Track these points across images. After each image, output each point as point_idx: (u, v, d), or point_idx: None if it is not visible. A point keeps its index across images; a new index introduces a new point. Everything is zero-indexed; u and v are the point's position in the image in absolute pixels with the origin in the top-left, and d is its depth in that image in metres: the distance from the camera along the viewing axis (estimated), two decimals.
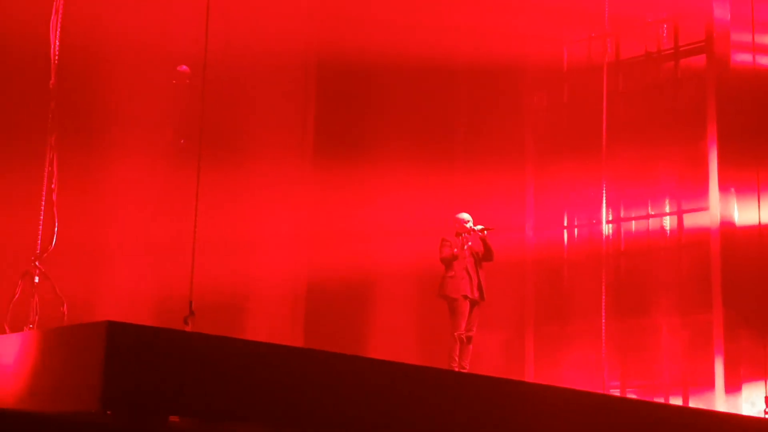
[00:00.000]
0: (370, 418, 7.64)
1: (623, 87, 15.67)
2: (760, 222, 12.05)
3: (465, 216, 10.20)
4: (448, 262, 9.98)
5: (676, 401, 14.31)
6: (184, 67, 13.19)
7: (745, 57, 14.36)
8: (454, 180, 15.38)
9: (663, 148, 15.10)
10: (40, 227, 7.69)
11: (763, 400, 11.67)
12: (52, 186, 7.71)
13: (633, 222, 15.27)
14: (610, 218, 15.10)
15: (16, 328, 7.76)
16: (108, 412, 6.67)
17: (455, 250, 9.95)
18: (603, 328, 11.93)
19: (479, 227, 10.09)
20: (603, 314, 11.82)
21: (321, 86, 14.99)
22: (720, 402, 13.78)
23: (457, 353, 9.82)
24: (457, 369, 9.79)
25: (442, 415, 7.98)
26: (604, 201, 12.57)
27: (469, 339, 10.01)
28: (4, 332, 7.52)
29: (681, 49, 15.33)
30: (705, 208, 14.54)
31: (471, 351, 10.01)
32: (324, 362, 7.65)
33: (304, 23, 14.32)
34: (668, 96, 15.31)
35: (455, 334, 9.92)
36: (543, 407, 8.69)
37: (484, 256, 10.16)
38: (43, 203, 7.70)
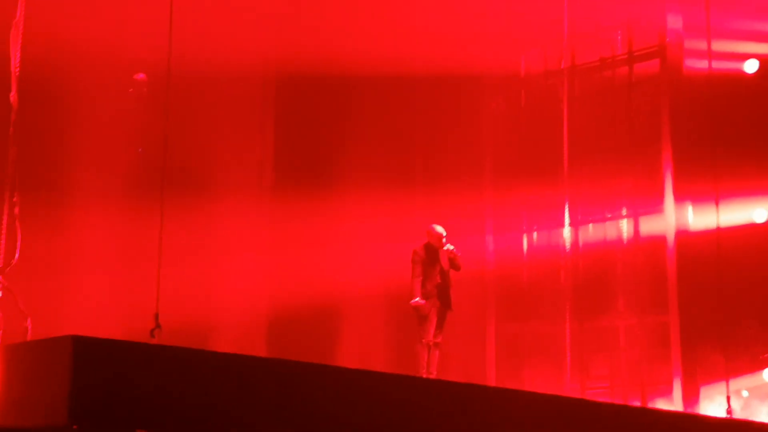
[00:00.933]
0: (339, 426, 7.65)
1: (579, 92, 15.83)
2: (718, 226, 12.27)
3: (441, 230, 10.35)
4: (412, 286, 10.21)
5: (635, 402, 14.47)
6: (142, 75, 13.17)
7: (697, 63, 14.58)
8: (415, 190, 15.45)
9: (618, 152, 15.28)
10: (3, 241, 7.61)
11: (724, 399, 11.85)
12: (14, 199, 7.64)
13: (590, 226, 15.42)
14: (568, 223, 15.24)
15: None
16: (75, 427, 6.63)
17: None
18: (567, 331, 12.06)
19: (451, 248, 10.27)
20: (567, 317, 11.94)
21: (279, 103, 14.99)
22: (677, 403, 13.97)
23: (426, 360, 9.95)
24: (425, 375, 9.88)
25: (413, 422, 8.02)
26: (566, 207, 12.70)
27: (436, 345, 10.16)
28: None
29: (635, 54, 15.52)
30: (660, 212, 14.73)
31: (438, 357, 10.15)
32: (292, 372, 7.66)
33: (263, 39, 14.30)
34: (623, 101, 15.49)
35: (423, 341, 10.06)
36: (509, 411, 8.77)
37: (453, 267, 10.37)
38: (5, 217, 7.63)
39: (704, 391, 13.78)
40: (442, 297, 10.26)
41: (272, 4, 14.34)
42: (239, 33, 13.69)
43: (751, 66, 14.32)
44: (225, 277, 13.51)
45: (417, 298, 10.15)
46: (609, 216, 15.31)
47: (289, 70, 14.52)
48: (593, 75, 15.82)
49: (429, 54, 14.89)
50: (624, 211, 15.19)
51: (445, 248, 10.30)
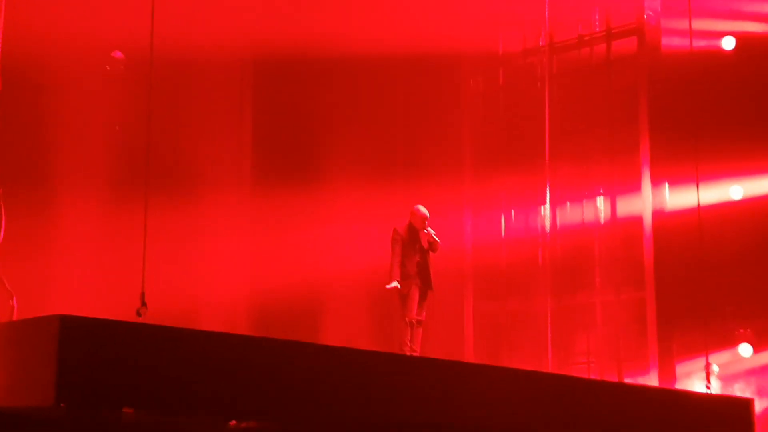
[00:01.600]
0: (323, 403, 7.72)
1: (556, 70, 15.87)
2: (699, 205, 12.36)
3: (424, 212, 10.40)
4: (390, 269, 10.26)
5: (611, 378, 14.61)
6: (119, 53, 13.14)
7: (675, 41, 14.65)
8: (395, 172, 15.47)
9: (596, 131, 15.35)
10: None
11: (701, 375, 11.99)
12: None
13: (567, 205, 15.49)
14: (548, 202, 15.32)
15: None
16: (62, 405, 6.65)
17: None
18: (549, 308, 12.14)
19: (431, 231, 10.33)
20: (548, 295, 12.03)
21: (257, 88, 14.93)
22: (653, 378, 14.11)
23: (408, 338, 10.02)
24: (408, 352, 9.96)
25: (396, 398, 8.10)
26: (548, 187, 12.79)
27: (419, 323, 10.25)
28: None
29: (613, 32, 15.57)
30: (637, 191, 14.81)
31: (421, 334, 10.24)
32: (278, 350, 7.71)
33: (239, 25, 14.23)
34: (601, 80, 15.54)
35: (406, 319, 10.13)
36: (489, 387, 8.88)
37: (430, 248, 10.44)
38: None
39: (680, 367, 13.95)
40: (423, 277, 10.33)
41: None
42: (217, 19, 13.65)
43: (728, 43, 14.40)
44: (209, 263, 13.50)
45: (394, 282, 10.20)
46: (586, 196, 15.38)
47: (265, 53, 14.46)
48: (571, 53, 15.85)
49: (406, 34, 14.89)
50: (601, 192, 15.28)
51: (425, 231, 10.36)
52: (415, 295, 10.20)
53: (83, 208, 11.80)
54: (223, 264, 13.79)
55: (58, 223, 11.41)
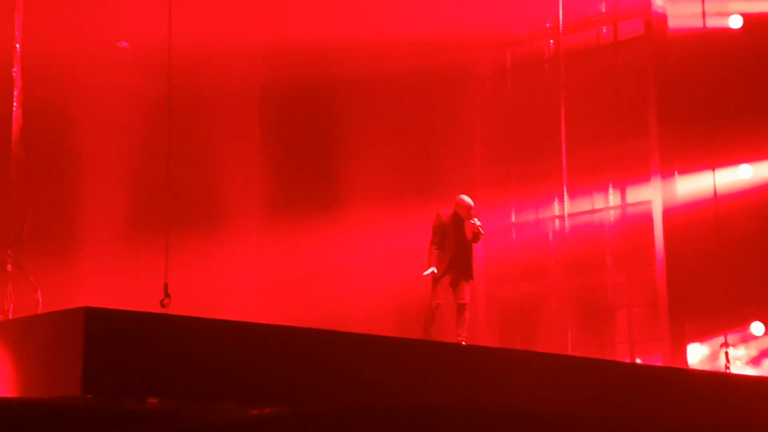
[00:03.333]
0: (345, 390, 7.81)
1: (565, 50, 15.85)
2: (715, 193, 12.37)
3: (469, 201, 10.34)
4: (430, 256, 10.26)
5: (624, 359, 14.70)
6: (124, 44, 13.19)
7: (681, 21, 14.64)
8: (411, 189, 15.42)
9: (604, 118, 15.33)
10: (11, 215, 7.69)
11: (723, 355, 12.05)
12: (20, 173, 7.70)
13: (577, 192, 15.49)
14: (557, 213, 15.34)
15: None
16: (88, 396, 6.74)
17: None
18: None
19: (478, 222, 10.27)
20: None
21: (274, 117, 14.98)
22: (667, 359, 14.19)
23: (431, 322, 10.11)
24: (433, 337, 10.06)
25: (413, 382, 8.21)
26: (564, 176, 12.79)
27: (462, 307, 10.24)
28: None
29: (620, 13, 15.58)
30: (647, 176, 14.83)
31: (467, 319, 10.26)
32: (302, 339, 7.79)
33: (256, 53, 14.27)
34: (608, 62, 15.55)
35: (432, 303, 10.18)
36: (503, 369, 8.98)
37: (473, 240, 10.39)
38: (13, 191, 7.70)
39: (692, 347, 14.02)
40: (462, 266, 10.31)
41: (257, 18, 14.31)
42: (231, 46, 13.66)
43: (735, 22, 14.39)
44: (229, 291, 13.52)
45: (431, 269, 10.17)
46: (596, 181, 15.40)
47: (279, 79, 14.52)
48: (578, 35, 15.85)
49: (417, 57, 14.91)
50: (610, 186, 15.29)
51: (471, 221, 10.32)
52: (446, 281, 10.22)
53: (106, 200, 11.84)
54: (244, 291, 13.84)
55: (81, 218, 11.47)
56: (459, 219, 10.37)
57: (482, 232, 10.30)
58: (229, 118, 14.29)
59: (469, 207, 10.33)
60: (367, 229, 14.64)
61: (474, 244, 10.44)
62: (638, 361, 14.39)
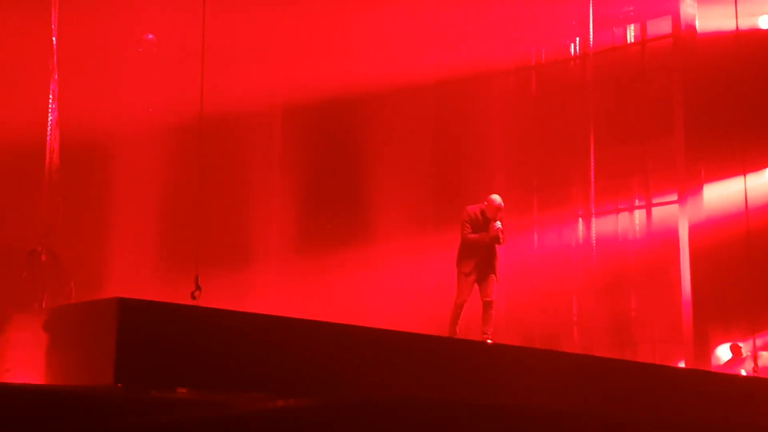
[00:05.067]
0: (372, 386, 7.90)
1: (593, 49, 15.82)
2: (746, 195, 12.30)
3: (500, 202, 10.37)
4: (470, 244, 10.29)
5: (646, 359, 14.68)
6: (151, 36, 13.31)
7: (710, 22, 14.58)
8: (435, 214, 15.40)
9: (631, 119, 15.29)
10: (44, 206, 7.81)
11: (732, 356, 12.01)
12: (54, 164, 7.83)
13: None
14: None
15: (24, 306, 7.91)
16: (119, 385, 6.86)
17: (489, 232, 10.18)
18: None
19: (500, 226, 10.30)
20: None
21: (298, 147, 15.03)
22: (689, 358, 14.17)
23: (456, 319, 10.21)
24: (457, 335, 10.16)
25: (436, 378, 8.29)
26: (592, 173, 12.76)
27: (487, 304, 10.32)
28: (13, 309, 7.68)
29: (647, 16, 15.55)
30: (673, 180, 14.79)
31: (493, 316, 10.34)
32: (330, 333, 7.89)
33: (277, 87, 14.37)
34: (636, 65, 15.51)
35: (457, 300, 10.29)
36: (531, 369, 9.04)
37: (494, 240, 10.41)
38: (47, 182, 7.83)
39: (721, 348, 13.99)
40: (489, 265, 10.37)
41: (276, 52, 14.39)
42: (254, 81, 13.80)
43: (765, 22, 14.34)
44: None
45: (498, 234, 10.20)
46: (621, 181, 15.37)
47: (295, 98, 14.61)
48: (605, 35, 15.81)
49: (434, 61, 14.92)
50: (636, 201, 15.25)
51: (496, 223, 10.35)
52: (471, 279, 10.30)
53: (138, 195, 11.93)
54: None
55: (114, 208, 11.58)
56: (486, 218, 10.43)
57: (502, 237, 10.32)
58: (253, 149, 14.38)
59: (498, 207, 10.36)
60: (393, 262, 14.63)
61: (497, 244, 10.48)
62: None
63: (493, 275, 10.41)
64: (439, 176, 15.92)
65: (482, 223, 10.38)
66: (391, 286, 14.44)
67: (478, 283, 10.36)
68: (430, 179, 15.69)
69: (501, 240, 10.29)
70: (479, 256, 10.34)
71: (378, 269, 14.57)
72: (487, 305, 10.34)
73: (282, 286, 14.17)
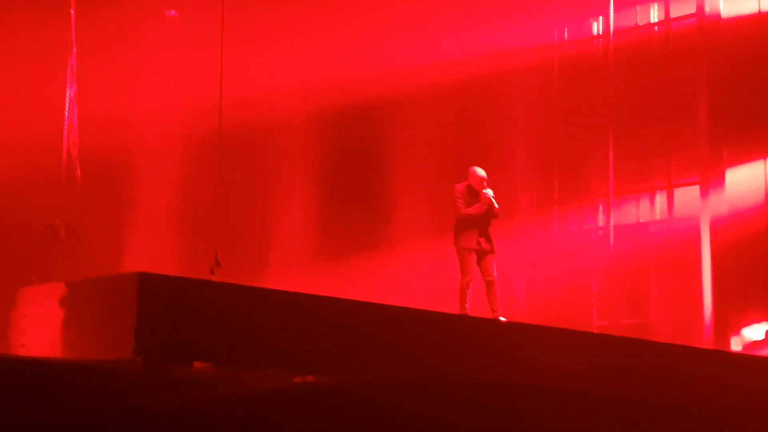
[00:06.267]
0: (386, 364, 7.91)
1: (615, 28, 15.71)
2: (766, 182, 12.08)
3: (482, 173, 10.32)
4: (468, 218, 10.21)
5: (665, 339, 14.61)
6: (173, 13, 13.27)
7: (734, 6, 14.43)
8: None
9: (655, 105, 15.17)
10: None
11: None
12: (74, 141, 7.84)
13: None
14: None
15: (44, 280, 7.92)
16: (138, 359, 6.88)
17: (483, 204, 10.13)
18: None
19: (490, 193, 10.24)
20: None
21: (317, 155, 14.89)
22: (708, 341, 14.12)
23: (466, 299, 10.12)
24: (468, 313, 10.08)
25: (448, 355, 8.30)
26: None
27: (490, 283, 10.24)
28: (32, 283, 7.70)
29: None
30: (695, 165, 14.70)
31: (498, 293, 10.29)
32: (346, 311, 7.90)
33: (300, 92, 14.31)
34: (659, 52, 15.38)
35: (463, 280, 10.19)
36: (544, 347, 9.04)
37: (490, 214, 10.35)
38: (65, 157, 7.84)
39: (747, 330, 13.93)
40: (485, 243, 10.26)
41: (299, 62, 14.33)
42: (277, 86, 13.69)
43: None
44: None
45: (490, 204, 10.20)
46: (644, 159, 15.26)
47: (317, 104, 14.56)
48: (629, 15, 15.66)
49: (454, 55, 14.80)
50: (658, 188, 15.17)
51: (484, 191, 10.33)
52: (473, 259, 10.21)
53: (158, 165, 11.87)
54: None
55: (136, 185, 11.54)
56: (474, 192, 10.37)
57: (495, 203, 10.26)
58: (276, 154, 14.33)
59: (482, 178, 10.31)
60: (414, 266, 14.53)
61: (492, 220, 10.40)
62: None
63: (490, 253, 10.39)
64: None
65: (472, 198, 10.34)
66: (411, 291, 14.37)
67: (477, 263, 10.28)
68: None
69: (495, 207, 10.23)
70: (477, 232, 10.31)
71: (399, 275, 14.50)
72: (489, 284, 10.26)
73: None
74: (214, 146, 8.79)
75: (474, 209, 10.29)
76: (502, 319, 10.08)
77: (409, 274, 14.53)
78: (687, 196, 14.83)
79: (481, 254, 10.28)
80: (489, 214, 10.34)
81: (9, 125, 9.25)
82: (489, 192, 10.27)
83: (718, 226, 14.21)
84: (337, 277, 13.90)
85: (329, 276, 13.86)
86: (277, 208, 14.40)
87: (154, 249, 10.90)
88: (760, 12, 13.26)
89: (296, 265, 14.17)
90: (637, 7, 15.51)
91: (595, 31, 15.80)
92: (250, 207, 13.53)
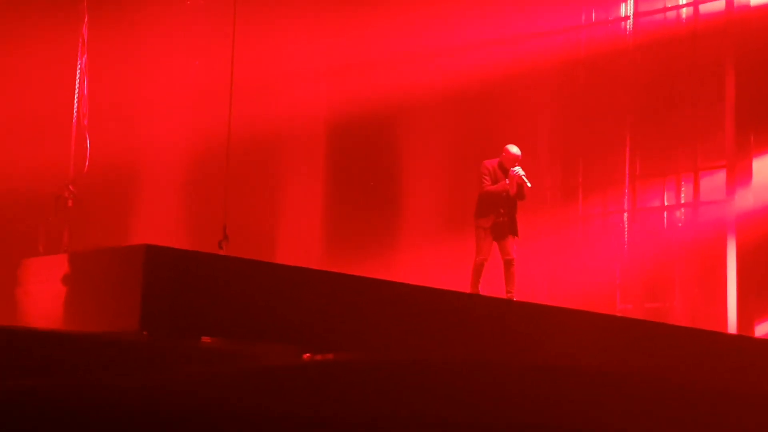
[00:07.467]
0: (395, 342, 7.81)
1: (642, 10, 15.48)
2: None
3: (516, 151, 10.06)
4: (490, 196, 10.00)
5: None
6: None
7: None
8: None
9: (679, 85, 14.97)
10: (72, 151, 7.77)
11: None
12: (83, 111, 7.79)
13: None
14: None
15: (50, 251, 7.88)
16: (144, 332, 6.81)
17: (505, 183, 9.89)
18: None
19: (522, 172, 9.99)
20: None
21: (329, 156, 14.79)
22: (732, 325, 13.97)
23: (478, 278, 9.97)
24: (480, 292, 9.95)
25: (461, 335, 8.19)
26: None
27: (508, 263, 10.04)
28: (39, 254, 7.66)
29: None
30: (720, 152, 14.50)
31: (514, 274, 10.09)
32: (357, 288, 7.80)
33: (311, 95, 14.21)
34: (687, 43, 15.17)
35: (477, 258, 10.01)
36: (557, 327, 8.92)
37: (518, 195, 10.14)
38: (74, 128, 7.78)
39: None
40: (508, 223, 10.05)
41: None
42: (288, 91, 13.59)
43: None
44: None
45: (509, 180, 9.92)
46: (667, 147, 15.09)
47: (337, 113, 14.45)
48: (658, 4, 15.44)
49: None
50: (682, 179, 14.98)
51: (513, 169, 10.02)
52: (489, 238, 10.01)
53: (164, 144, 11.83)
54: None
55: (142, 155, 11.50)
56: (504, 170, 10.14)
57: (527, 182, 9.98)
58: (292, 153, 14.24)
59: (516, 157, 10.03)
60: (428, 263, 14.39)
61: (519, 201, 10.17)
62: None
63: (513, 233, 10.14)
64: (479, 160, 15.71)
65: (502, 176, 10.07)
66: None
67: (497, 241, 10.02)
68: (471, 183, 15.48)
69: (527, 186, 9.93)
70: (499, 212, 10.04)
71: (416, 279, 14.38)
72: (508, 263, 10.03)
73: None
74: (225, 124, 8.69)
75: (498, 186, 10.05)
76: (513, 299, 9.95)
77: (420, 275, 14.45)
78: (713, 182, 14.67)
79: (502, 234, 10.08)
80: (519, 194, 10.11)
81: (19, 95, 9.21)
82: (520, 170, 9.99)
83: (744, 211, 14.05)
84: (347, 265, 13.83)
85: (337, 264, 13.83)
86: (288, 200, 14.32)
87: (162, 222, 10.86)
88: None
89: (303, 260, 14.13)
90: None
91: (622, 13, 15.57)
92: (264, 207, 13.48)
